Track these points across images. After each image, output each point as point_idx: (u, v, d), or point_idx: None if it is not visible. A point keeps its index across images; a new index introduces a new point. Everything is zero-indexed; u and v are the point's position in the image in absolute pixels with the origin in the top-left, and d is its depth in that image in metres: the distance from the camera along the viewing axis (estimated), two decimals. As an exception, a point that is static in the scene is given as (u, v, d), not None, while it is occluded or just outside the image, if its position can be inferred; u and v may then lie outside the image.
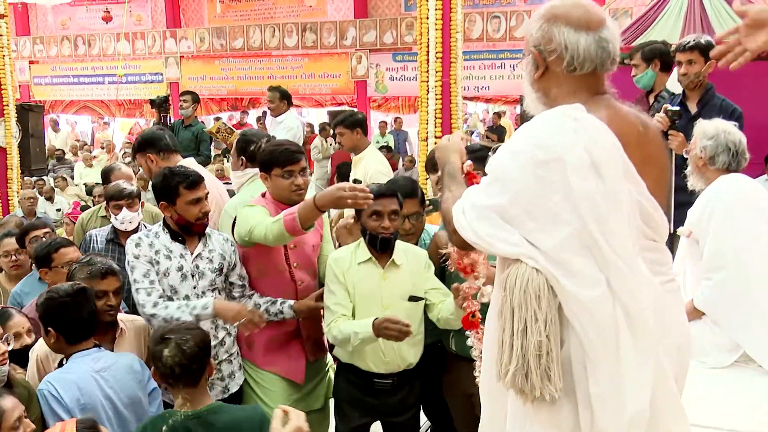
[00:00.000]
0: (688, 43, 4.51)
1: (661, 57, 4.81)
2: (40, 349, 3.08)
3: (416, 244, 3.48)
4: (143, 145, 4.11)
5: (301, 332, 3.45)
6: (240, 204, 3.71)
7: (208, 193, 3.36)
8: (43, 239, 4.21)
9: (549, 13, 1.96)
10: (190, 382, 2.57)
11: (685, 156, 3.77)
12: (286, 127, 6.99)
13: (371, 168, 5.13)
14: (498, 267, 1.98)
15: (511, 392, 1.86)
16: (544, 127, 1.85)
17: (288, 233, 2.99)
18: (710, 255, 3.26)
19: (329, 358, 3.68)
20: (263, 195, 3.39)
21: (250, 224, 3.14)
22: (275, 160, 3.26)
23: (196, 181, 3.26)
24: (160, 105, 8.14)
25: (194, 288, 3.25)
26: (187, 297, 3.22)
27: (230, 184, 10.15)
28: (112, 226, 4.27)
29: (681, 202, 4.42)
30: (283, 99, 7.22)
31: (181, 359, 2.53)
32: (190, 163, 4.00)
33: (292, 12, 17.48)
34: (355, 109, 6.24)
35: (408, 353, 3.25)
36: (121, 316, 3.29)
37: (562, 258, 1.77)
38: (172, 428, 2.49)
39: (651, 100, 4.93)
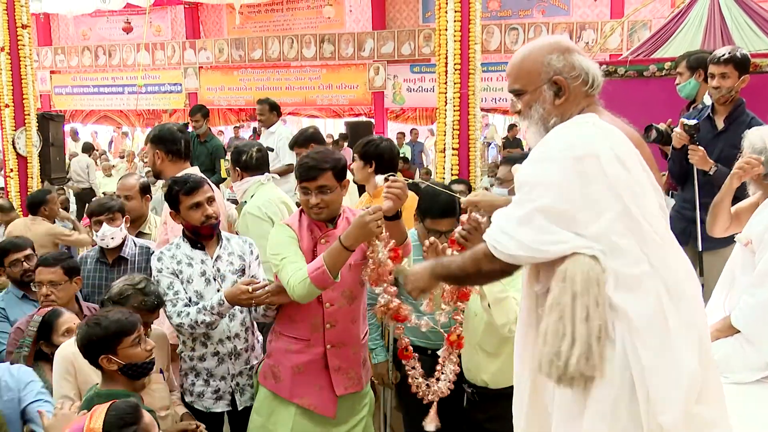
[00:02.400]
0: (723, 55, 4.27)
1: (706, 67, 4.54)
2: (67, 349, 3.08)
3: None
4: (157, 140, 3.97)
5: (328, 362, 3.09)
6: (258, 207, 3.97)
7: (211, 197, 3.30)
8: (23, 262, 4.08)
9: (560, 47, 2.17)
10: (93, 366, 2.75)
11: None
12: (279, 137, 7.06)
13: None
14: (529, 275, 2.16)
15: (557, 390, 2.02)
16: (570, 132, 2.04)
17: (320, 288, 2.85)
18: (763, 270, 3.06)
19: (371, 395, 3.36)
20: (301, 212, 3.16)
21: (279, 258, 2.97)
22: (297, 174, 3.07)
23: (193, 186, 3.25)
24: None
25: (218, 291, 3.23)
26: None
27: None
28: (99, 246, 4.07)
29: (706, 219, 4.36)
30: (272, 110, 7.35)
31: (78, 345, 2.75)
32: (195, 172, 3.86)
33: (310, 23, 17.59)
34: (310, 126, 6.28)
35: (481, 367, 3.17)
36: None
37: (610, 241, 1.94)
38: (87, 399, 2.70)
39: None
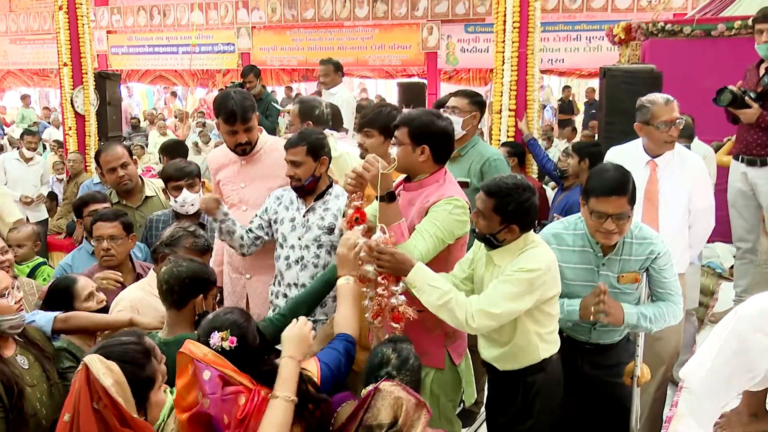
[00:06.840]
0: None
1: None
2: (133, 294, 3.11)
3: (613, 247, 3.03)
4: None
5: None
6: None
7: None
8: None
9: None
10: (170, 304, 2.69)
11: None
12: (341, 99, 6.69)
13: None
14: None
15: None
16: None
17: None
18: None
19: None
20: None
21: None
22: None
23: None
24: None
25: (299, 239, 3.37)
26: (292, 247, 3.38)
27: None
28: (172, 210, 4.06)
29: None
30: (337, 71, 6.99)
31: (167, 278, 2.67)
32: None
33: (363, -18, 17.36)
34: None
35: (484, 348, 3.01)
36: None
37: None
38: None
39: (762, 71, 4.55)
